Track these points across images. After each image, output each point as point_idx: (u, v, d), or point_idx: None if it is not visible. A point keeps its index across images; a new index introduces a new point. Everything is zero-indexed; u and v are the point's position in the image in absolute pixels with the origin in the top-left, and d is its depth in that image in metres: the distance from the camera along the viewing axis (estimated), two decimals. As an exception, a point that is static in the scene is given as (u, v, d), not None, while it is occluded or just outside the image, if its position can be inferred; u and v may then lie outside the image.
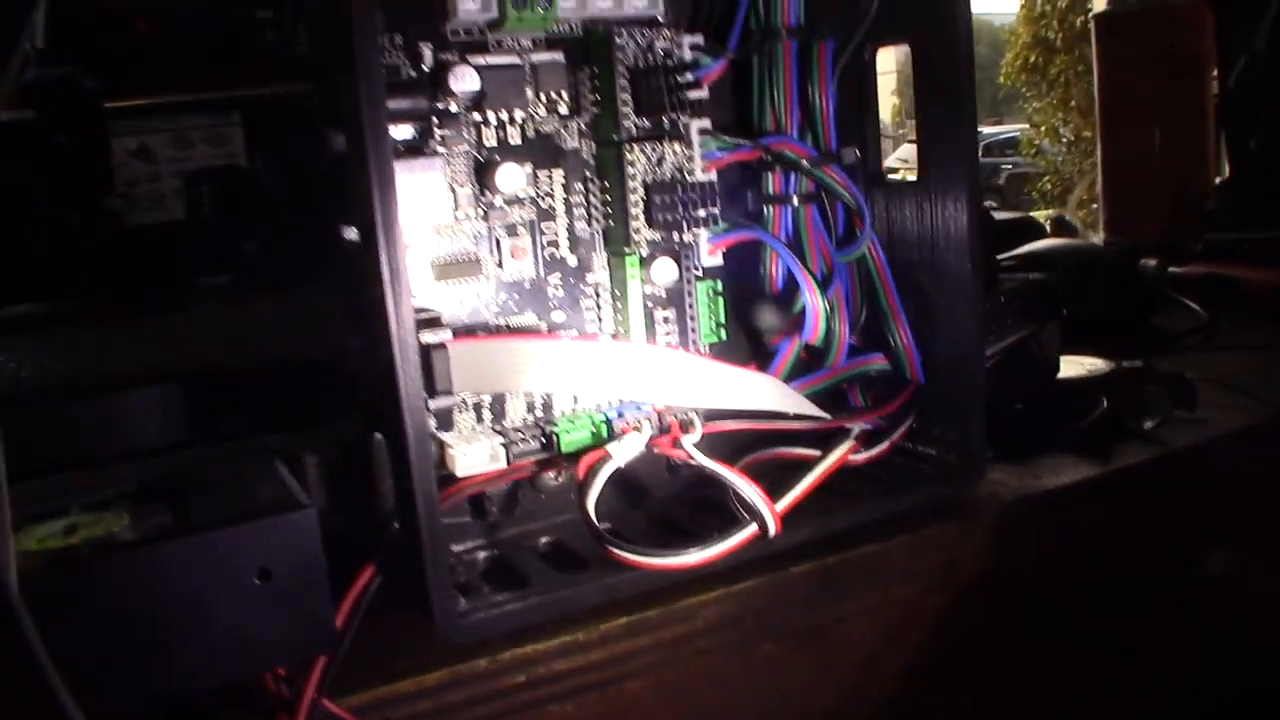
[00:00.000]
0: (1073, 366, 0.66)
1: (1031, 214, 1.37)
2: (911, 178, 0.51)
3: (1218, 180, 1.04)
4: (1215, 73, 1.01)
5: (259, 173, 1.04)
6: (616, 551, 0.42)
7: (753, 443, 0.51)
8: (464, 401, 0.45)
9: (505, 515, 0.47)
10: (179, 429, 0.52)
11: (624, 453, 0.45)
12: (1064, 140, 5.49)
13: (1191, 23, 1.03)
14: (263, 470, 0.43)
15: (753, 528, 0.43)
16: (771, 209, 0.49)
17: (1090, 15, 1.14)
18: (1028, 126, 5.92)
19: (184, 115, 1.11)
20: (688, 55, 0.46)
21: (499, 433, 0.46)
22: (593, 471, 0.44)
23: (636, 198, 0.46)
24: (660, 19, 0.46)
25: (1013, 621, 0.56)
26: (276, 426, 0.53)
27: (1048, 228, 1.12)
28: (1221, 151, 1.03)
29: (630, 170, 0.45)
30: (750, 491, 0.43)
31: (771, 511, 0.43)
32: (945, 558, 0.52)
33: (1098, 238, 1.22)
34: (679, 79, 0.44)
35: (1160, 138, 1.04)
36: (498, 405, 0.47)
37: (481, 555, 0.46)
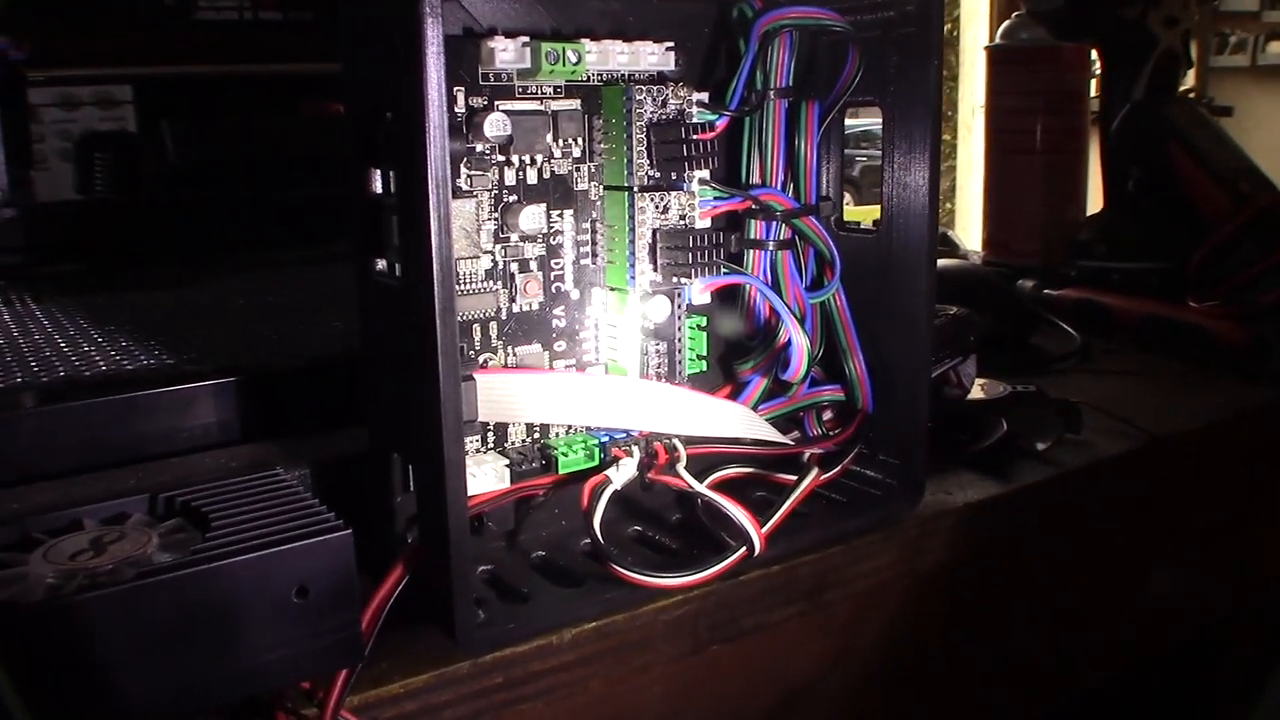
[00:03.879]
0: (974, 388, 0.72)
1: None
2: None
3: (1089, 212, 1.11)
4: (1094, 113, 1.08)
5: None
6: (624, 572, 0.45)
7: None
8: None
9: (501, 531, 0.50)
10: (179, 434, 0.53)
11: (620, 477, 0.48)
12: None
13: (1075, 63, 1.09)
14: (277, 486, 0.45)
15: (742, 549, 0.47)
16: (752, 253, 0.53)
17: (983, 46, 1.19)
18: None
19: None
20: (695, 112, 0.49)
21: (502, 454, 0.49)
22: (595, 495, 0.47)
23: (644, 242, 0.49)
24: (671, 76, 0.50)
25: (927, 618, 0.62)
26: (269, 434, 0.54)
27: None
28: (1090, 186, 1.10)
29: (640, 216, 0.48)
30: (740, 515, 0.47)
31: (759, 534, 0.47)
32: (871, 565, 0.57)
33: (956, 237, 1.28)
34: (694, 134, 0.47)
35: (1041, 167, 1.10)
36: (500, 427, 0.49)
37: (479, 569, 0.49)
